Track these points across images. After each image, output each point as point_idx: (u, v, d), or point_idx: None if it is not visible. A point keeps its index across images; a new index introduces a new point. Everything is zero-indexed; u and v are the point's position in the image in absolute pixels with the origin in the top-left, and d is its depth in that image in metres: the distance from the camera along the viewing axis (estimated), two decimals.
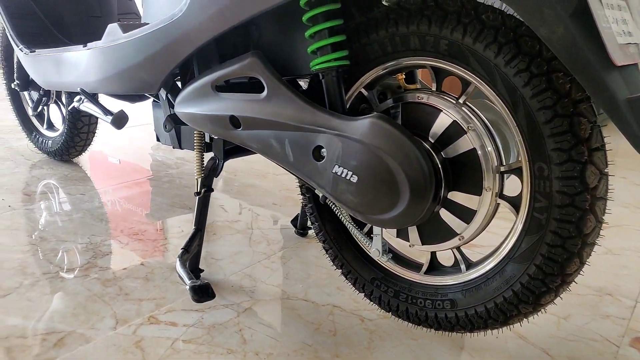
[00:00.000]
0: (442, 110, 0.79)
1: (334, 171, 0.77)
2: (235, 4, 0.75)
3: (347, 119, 0.75)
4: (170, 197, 1.67)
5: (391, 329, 0.98)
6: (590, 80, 0.57)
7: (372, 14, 0.81)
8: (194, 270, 1.10)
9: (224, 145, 1.03)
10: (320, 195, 0.90)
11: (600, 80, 0.56)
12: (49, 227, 1.40)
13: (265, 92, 0.82)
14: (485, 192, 0.77)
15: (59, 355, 0.86)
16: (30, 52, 1.45)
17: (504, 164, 0.77)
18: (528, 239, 0.72)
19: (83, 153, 2.00)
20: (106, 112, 1.23)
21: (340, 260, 0.98)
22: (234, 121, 0.86)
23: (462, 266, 0.85)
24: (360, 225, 0.93)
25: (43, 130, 2.05)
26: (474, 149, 0.77)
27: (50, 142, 1.99)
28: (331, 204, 0.90)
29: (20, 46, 1.49)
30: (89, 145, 1.95)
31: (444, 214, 0.82)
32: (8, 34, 1.55)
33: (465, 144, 0.77)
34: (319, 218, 0.99)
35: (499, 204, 0.79)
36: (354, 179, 0.74)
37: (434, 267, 0.91)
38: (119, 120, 1.21)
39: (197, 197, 1.06)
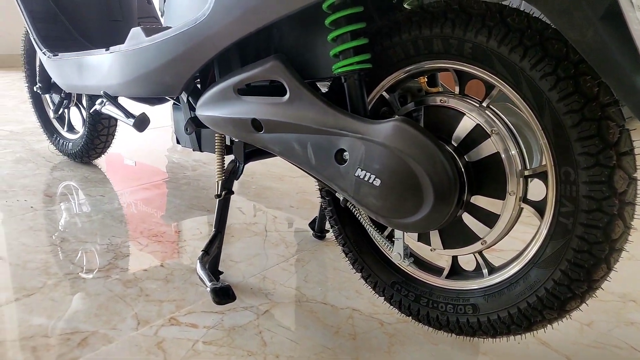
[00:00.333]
0: (465, 114, 0.79)
1: (356, 174, 0.77)
2: (259, 7, 0.76)
3: (370, 122, 0.75)
4: (188, 199, 1.68)
5: (411, 333, 0.97)
6: (620, 84, 0.56)
7: (394, 16, 0.81)
8: (213, 272, 1.11)
9: (244, 148, 1.03)
10: (341, 198, 0.90)
11: (630, 83, 0.55)
12: (70, 228, 1.41)
13: (287, 95, 0.82)
14: (509, 197, 0.76)
15: (82, 355, 0.87)
16: (53, 55, 1.47)
17: (528, 168, 0.77)
18: (553, 244, 0.72)
19: (102, 155, 2.02)
20: (128, 114, 1.24)
21: (360, 263, 0.98)
22: (256, 124, 0.87)
23: (484, 271, 0.84)
24: (380, 228, 0.93)
25: (64, 132, 2.08)
26: (498, 152, 0.76)
27: (70, 144, 2.02)
28: (352, 207, 0.90)
29: (44, 50, 1.51)
30: (108, 147, 1.97)
31: (467, 218, 0.82)
32: (32, 38, 1.58)
33: (488, 147, 0.77)
34: (338, 221, 0.99)
35: (522, 208, 0.78)
36: (377, 182, 0.74)
37: (455, 271, 0.90)
38: (141, 122, 1.22)
39: (218, 199, 1.07)
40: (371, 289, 0.99)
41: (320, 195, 1.01)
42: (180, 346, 0.91)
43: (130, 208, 1.59)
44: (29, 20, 1.56)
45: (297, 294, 1.10)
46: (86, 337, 0.93)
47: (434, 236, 0.87)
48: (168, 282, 1.13)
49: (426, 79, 0.89)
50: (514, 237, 0.96)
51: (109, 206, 1.60)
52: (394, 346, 0.94)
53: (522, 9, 0.71)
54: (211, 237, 1.06)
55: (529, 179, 0.77)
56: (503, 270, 0.81)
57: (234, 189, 1.11)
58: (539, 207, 0.76)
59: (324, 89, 0.99)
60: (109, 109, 1.32)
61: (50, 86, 1.92)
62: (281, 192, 1.77)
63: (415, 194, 0.72)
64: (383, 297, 0.97)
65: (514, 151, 0.76)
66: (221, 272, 1.14)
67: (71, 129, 2.06)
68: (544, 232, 0.73)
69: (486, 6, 0.71)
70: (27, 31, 1.95)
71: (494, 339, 0.85)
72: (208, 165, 2.10)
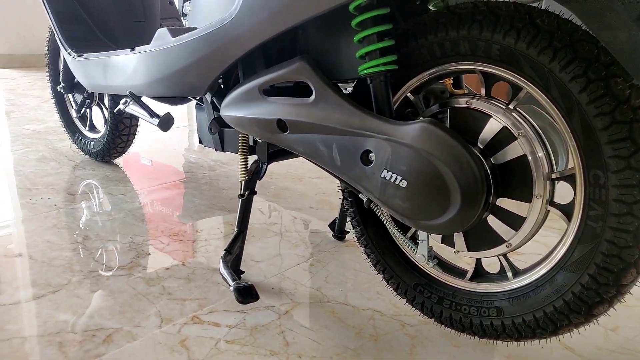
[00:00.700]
0: (491, 116, 0.78)
1: (382, 176, 0.77)
2: (287, 9, 0.76)
3: (397, 124, 0.75)
4: (208, 198, 1.69)
5: (433, 335, 0.97)
6: None
7: (420, 18, 0.81)
8: (235, 271, 1.11)
9: (267, 149, 1.04)
10: (365, 199, 0.90)
11: None
12: (92, 226, 1.43)
13: (313, 96, 0.82)
14: (536, 199, 0.76)
15: (107, 352, 0.89)
16: (78, 56, 1.50)
17: (555, 170, 0.76)
18: (581, 248, 0.71)
19: (123, 154, 2.05)
20: (152, 114, 1.26)
21: (382, 265, 0.98)
22: (281, 125, 0.87)
23: (509, 273, 0.84)
24: (403, 230, 0.93)
25: (85, 131, 2.11)
26: (524, 155, 0.76)
27: (92, 143, 2.05)
28: (376, 208, 0.90)
29: (69, 50, 1.54)
30: (129, 146, 1.99)
31: (492, 221, 0.81)
32: (57, 39, 1.61)
33: (515, 150, 0.77)
34: (361, 222, 0.99)
35: (549, 211, 0.77)
36: (404, 183, 0.74)
37: (479, 273, 0.89)
38: (166, 122, 1.24)
39: (240, 199, 1.07)
40: (393, 291, 0.98)
41: (342, 196, 1.01)
42: (203, 344, 0.92)
43: (151, 207, 1.60)
44: (54, 21, 1.58)
45: (318, 295, 1.10)
46: (111, 333, 0.94)
47: (458, 238, 0.87)
48: (190, 281, 1.14)
49: (451, 81, 0.89)
50: (534, 240, 0.96)
51: (130, 205, 1.62)
52: (415, 348, 0.93)
53: (550, 10, 0.70)
54: (233, 237, 1.07)
55: (556, 182, 0.77)
56: (528, 273, 0.80)
57: None
58: (566, 210, 0.75)
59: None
60: (133, 109, 1.33)
61: (73, 86, 1.95)
62: (300, 193, 1.77)
63: (442, 195, 0.72)
64: (405, 299, 0.97)
65: (540, 154, 0.75)
66: (242, 272, 1.15)
67: (93, 128, 2.09)
68: (571, 235, 0.73)
69: (515, 7, 0.71)
70: (52, 32, 1.98)
71: (518, 343, 0.85)
72: (227, 165, 2.11)
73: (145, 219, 1.50)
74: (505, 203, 0.79)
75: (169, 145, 2.43)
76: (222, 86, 1.10)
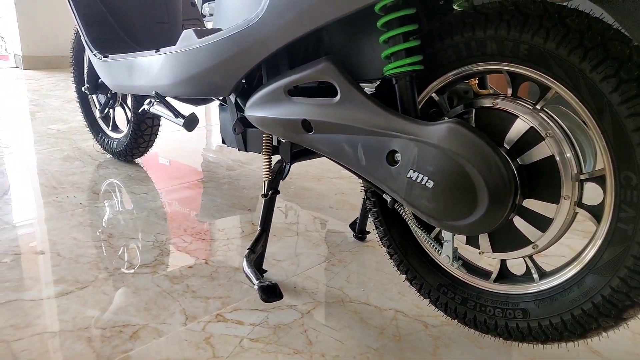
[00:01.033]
0: (518, 116, 0.78)
1: (408, 176, 0.77)
2: (314, 10, 0.77)
3: (423, 124, 0.75)
4: (229, 198, 1.70)
5: (456, 336, 0.97)
6: None
7: (446, 18, 0.81)
8: (258, 270, 1.12)
9: (291, 149, 1.04)
10: (389, 199, 0.90)
11: None
12: (117, 224, 1.46)
13: (338, 97, 0.83)
14: (564, 201, 0.75)
15: (134, 347, 0.90)
16: (104, 57, 1.52)
17: (584, 171, 0.75)
18: (611, 250, 0.70)
19: (145, 154, 2.07)
20: (177, 114, 1.27)
21: (405, 265, 0.98)
22: (306, 125, 0.88)
23: (535, 275, 0.83)
24: (427, 230, 0.93)
25: (108, 131, 2.14)
26: (552, 155, 0.75)
27: (115, 143, 2.08)
28: (400, 208, 0.90)
29: (94, 52, 1.56)
30: (151, 146, 2.02)
31: (518, 222, 0.81)
32: (83, 40, 1.64)
33: (543, 150, 0.76)
34: (384, 223, 0.99)
35: (577, 212, 0.77)
36: (430, 184, 0.74)
37: (504, 275, 0.89)
38: (191, 122, 1.25)
39: (264, 199, 1.08)
40: (416, 291, 0.98)
41: (365, 197, 1.02)
42: (227, 342, 0.93)
43: (173, 206, 1.62)
44: (81, 23, 1.61)
45: (340, 294, 1.10)
46: (137, 330, 0.96)
47: (483, 239, 0.86)
48: (213, 279, 1.15)
49: (477, 81, 0.88)
50: (558, 242, 0.95)
51: (153, 204, 1.64)
52: (439, 349, 0.93)
53: (580, 9, 0.69)
54: (257, 236, 1.08)
55: (584, 183, 0.76)
56: (556, 275, 0.79)
57: None
58: (595, 212, 0.74)
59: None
60: (158, 109, 1.35)
61: (97, 87, 1.99)
62: (319, 193, 1.78)
63: (469, 196, 0.72)
64: (428, 300, 0.96)
65: (569, 154, 0.74)
66: (265, 271, 1.16)
67: (115, 128, 2.12)
68: (601, 237, 0.72)
69: (544, 7, 0.70)
70: (76, 34, 2.02)
71: (544, 345, 0.84)
72: (246, 165, 2.12)
73: (168, 218, 1.52)
74: (532, 204, 0.79)
75: (187, 145, 2.46)
76: (245, 86, 1.11)
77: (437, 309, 0.96)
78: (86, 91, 2.00)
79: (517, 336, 0.83)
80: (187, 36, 1.05)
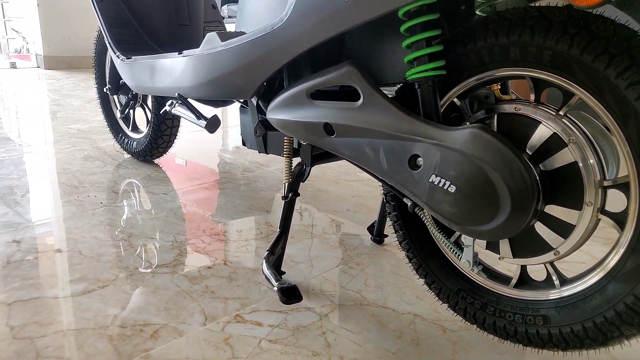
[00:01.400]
0: (541, 122, 0.78)
1: (430, 180, 0.77)
2: (338, 14, 0.77)
3: (446, 129, 0.75)
4: (247, 199, 1.72)
5: (475, 342, 0.97)
6: None
7: (469, 24, 0.81)
8: (276, 272, 1.13)
9: (311, 151, 1.05)
10: (409, 203, 0.90)
11: None
12: (136, 224, 1.48)
13: (361, 100, 0.83)
14: (586, 207, 0.75)
15: (155, 346, 0.91)
16: (127, 59, 1.54)
17: (607, 178, 0.75)
18: (635, 258, 0.69)
19: (164, 154, 2.10)
20: (199, 116, 1.29)
21: (424, 269, 0.98)
22: (328, 128, 0.88)
23: (556, 282, 0.83)
24: (448, 235, 0.93)
25: (128, 132, 2.17)
26: (575, 162, 0.75)
27: (134, 143, 2.11)
28: (420, 213, 0.90)
29: (117, 53, 1.59)
30: (170, 147, 2.04)
31: (540, 228, 0.81)
32: (107, 42, 1.66)
33: (566, 156, 0.76)
34: (403, 226, 0.99)
35: (599, 219, 0.76)
36: (452, 189, 0.74)
37: (524, 281, 0.88)
38: (213, 124, 1.27)
39: (284, 201, 1.09)
40: (434, 296, 0.98)
41: (385, 200, 1.02)
42: (246, 343, 0.94)
43: (191, 207, 1.64)
44: (105, 25, 1.64)
45: (358, 297, 1.11)
46: (157, 329, 0.97)
47: (504, 244, 0.86)
48: (232, 280, 1.16)
49: (499, 86, 0.88)
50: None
51: (172, 204, 1.66)
52: (457, 353, 0.93)
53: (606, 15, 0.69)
54: (276, 237, 1.09)
55: (608, 190, 0.75)
56: (577, 282, 0.79)
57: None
58: (619, 219, 0.74)
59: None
60: (180, 110, 1.37)
61: (118, 87, 2.02)
62: (337, 196, 1.78)
63: (492, 201, 0.72)
64: (447, 304, 0.96)
65: (592, 160, 0.74)
66: (283, 272, 1.17)
67: (135, 128, 2.15)
68: (624, 244, 0.71)
69: (568, 13, 0.70)
70: (99, 36, 2.05)
71: (565, 353, 0.84)
72: (264, 167, 2.14)
73: (187, 218, 1.54)
74: (553, 210, 0.78)
75: (204, 146, 2.48)
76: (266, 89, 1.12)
77: (455, 314, 0.96)
78: (108, 92, 2.03)
79: (537, 343, 0.83)
80: (211, 39, 1.06)
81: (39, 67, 5.74)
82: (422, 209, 0.90)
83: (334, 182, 1.94)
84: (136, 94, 2.00)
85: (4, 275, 1.15)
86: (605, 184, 0.74)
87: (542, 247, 0.81)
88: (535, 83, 0.79)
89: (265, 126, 1.07)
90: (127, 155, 2.22)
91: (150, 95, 1.92)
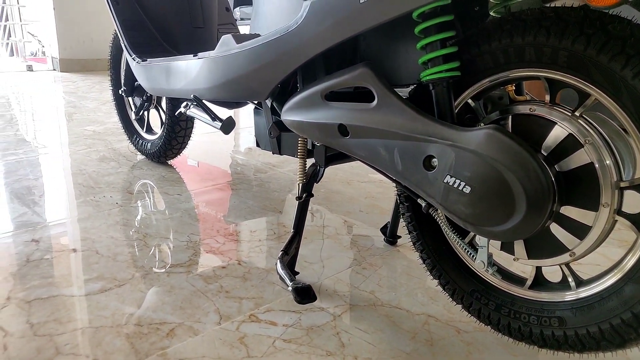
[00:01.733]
0: (556, 123, 0.77)
1: (445, 181, 0.77)
2: (353, 17, 0.78)
3: (461, 130, 0.75)
4: (260, 200, 1.73)
5: (489, 343, 0.96)
6: None
7: (483, 25, 0.81)
8: (290, 272, 1.14)
9: (325, 152, 1.06)
10: (424, 204, 0.90)
11: None
12: (151, 224, 1.49)
13: (375, 102, 0.84)
14: (603, 208, 0.74)
15: (171, 345, 0.93)
16: (142, 61, 1.56)
17: (624, 179, 0.74)
18: None
19: (178, 155, 2.12)
20: (215, 117, 1.30)
21: (438, 270, 0.98)
22: (342, 129, 0.89)
23: (572, 283, 0.82)
24: (462, 236, 0.93)
25: (143, 133, 2.19)
26: (591, 162, 0.75)
27: (149, 144, 2.13)
28: (434, 213, 0.90)
29: (133, 56, 1.61)
30: (184, 148, 2.06)
31: (555, 229, 0.80)
32: (123, 45, 1.69)
33: (581, 157, 0.75)
34: (417, 227, 1.00)
35: (616, 220, 0.76)
36: (467, 189, 0.74)
37: (539, 282, 0.88)
38: (228, 125, 1.28)
39: (298, 201, 1.10)
40: (448, 296, 0.98)
41: (399, 201, 1.02)
42: (261, 342, 0.94)
43: (205, 207, 1.66)
44: (121, 28, 1.67)
45: (372, 298, 1.11)
46: (173, 328, 0.98)
47: (519, 245, 0.86)
48: (246, 280, 1.17)
49: (514, 87, 0.88)
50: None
51: (186, 205, 1.67)
52: (472, 354, 0.93)
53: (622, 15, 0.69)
54: (290, 238, 1.10)
55: (624, 191, 0.75)
56: (593, 283, 0.79)
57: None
58: (636, 220, 0.73)
59: None
60: (195, 112, 1.38)
61: (133, 89, 2.04)
62: (349, 197, 1.79)
63: (507, 202, 0.72)
64: (461, 305, 0.96)
65: (608, 161, 0.74)
66: (297, 273, 1.17)
67: (150, 130, 2.17)
68: None
69: (584, 13, 0.70)
70: (114, 39, 2.08)
71: (581, 355, 0.83)
72: (276, 167, 2.15)
73: (201, 219, 1.55)
74: (569, 211, 0.78)
75: (216, 147, 2.50)
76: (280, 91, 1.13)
77: (469, 315, 0.96)
78: (123, 94, 2.05)
79: (552, 344, 0.83)
80: (226, 41, 1.08)
81: (54, 69, 5.82)
82: (437, 210, 0.90)
83: (346, 183, 1.94)
84: (150, 95, 2.02)
85: (23, 273, 1.17)
86: (622, 185, 0.74)
87: (558, 248, 0.81)
88: (550, 84, 0.79)
89: (279, 127, 1.07)
90: (140, 157, 2.25)
91: (164, 97, 1.94)
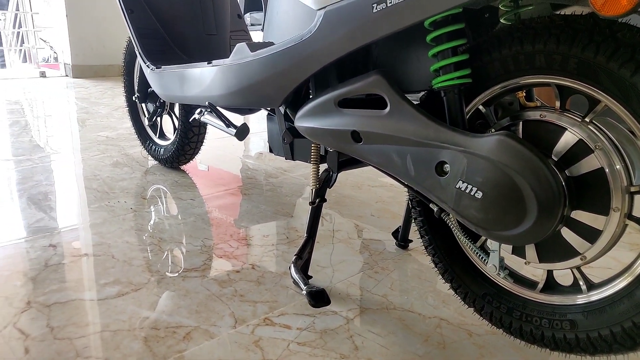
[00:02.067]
0: (566, 129, 0.79)
1: (457, 186, 0.79)
2: (367, 25, 0.80)
3: (473, 136, 0.77)
4: (273, 205, 1.75)
5: (501, 346, 0.97)
6: None
7: (494, 32, 0.83)
8: (304, 276, 1.15)
9: (338, 158, 1.08)
10: (435, 209, 0.91)
11: None
12: (165, 229, 1.52)
13: (388, 109, 0.85)
14: (613, 213, 0.75)
15: (188, 348, 0.95)
16: (157, 68, 1.59)
17: (634, 183, 0.75)
18: None
19: (191, 161, 2.14)
20: (229, 124, 1.32)
21: (450, 274, 0.99)
22: (355, 136, 0.91)
23: (583, 286, 0.83)
24: (474, 240, 0.94)
25: (156, 139, 2.22)
26: (601, 167, 0.76)
27: (162, 150, 2.16)
28: (446, 218, 0.92)
29: (147, 63, 1.64)
30: (197, 153, 2.08)
31: (566, 233, 0.81)
32: (137, 52, 1.72)
33: (592, 162, 0.76)
34: (429, 232, 1.01)
35: (627, 224, 0.77)
36: (479, 195, 0.76)
37: (550, 285, 0.89)
38: (242, 132, 1.30)
39: (311, 206, 1.12)
40: (460, 300, 0.99)
41: (411, 206, 1.03)
42: (276, 345, 0.96)
43: (218, 212, 1.68)
44: (135, 36, 1.70)
45: (384, 301, 1.12)
46: (189, 331, 1.00)
47: (530, 249, 0.87)
48: (260, 284, 1.19)
49: (524, 94, 0.90)
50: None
51: (199, 209, 1.70)
52: (484, 357, 0.94)
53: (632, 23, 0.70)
54: (303, 242, 1.11)
55: (635, 195, 0.76)
56: (605, 287, 0.79)
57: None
58: None
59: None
60: (209, 119, 1.41)
61: (147, 95, 2.07)
62: (360, 201, 1.80)
63: (519, 207, 0.73)
64: (473, 309, 0.97)
65: (618, 166, 0.75)
66: (310, 277, 1.19)
67: (163, 135, 2.20)
68: None
69: (594, 21, 0.71)
70: (128, 45, 2.11)
71: (593, 357, 0.84)
72: (288, 172, 2.17)
73: (214, 223, 1.57)
74: (580, 216, 0.79)
75: (228, 152, 2.52)
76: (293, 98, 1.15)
77: (481, 318, 0.97)
78: (136, 100, 2.09)
79: (564, 347, 0.84)
80: (240, 49, 1.10)
81: (67, 75, 5.90)
82: (449, 215, 0.91)
83: (357, 188, 1.96)
84: (164, 101, 2.05)
85: (42, 278, 1.20)
86: (632, 189, 0.75)
87: (569, 252, 0.82)
88: (560, 90, 0.80)
89: (292, 133, 1.09)
90: (153, 162, 2.28)
91: (177, 104, 1.97)
